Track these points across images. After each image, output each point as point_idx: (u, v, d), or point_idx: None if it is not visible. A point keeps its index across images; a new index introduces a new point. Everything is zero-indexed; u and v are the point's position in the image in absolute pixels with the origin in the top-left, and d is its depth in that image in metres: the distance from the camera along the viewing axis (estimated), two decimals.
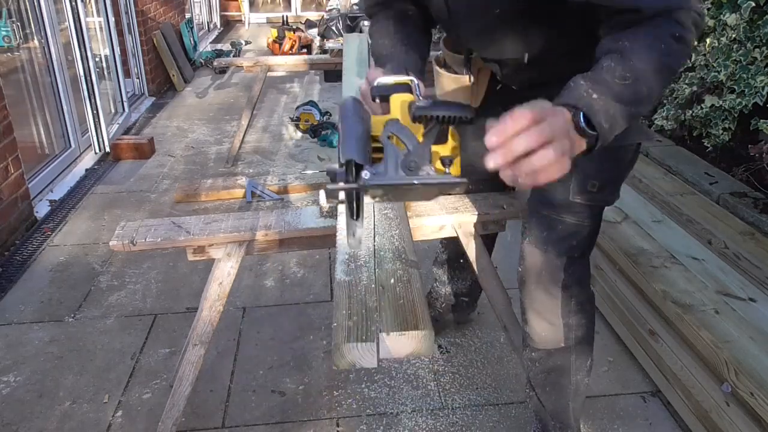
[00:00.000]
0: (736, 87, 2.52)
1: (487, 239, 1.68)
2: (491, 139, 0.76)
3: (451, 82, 1.38)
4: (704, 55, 2.72)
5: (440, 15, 1.20)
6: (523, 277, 1.33)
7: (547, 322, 1.31)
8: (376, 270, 1.18)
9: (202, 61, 6.30)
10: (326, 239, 1.47)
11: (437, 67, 1.44)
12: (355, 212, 0.89)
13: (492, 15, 1.08)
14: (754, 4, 2.41)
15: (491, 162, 0.77)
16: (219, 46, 7.08)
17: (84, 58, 3.52)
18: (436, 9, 1.19)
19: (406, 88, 0.94)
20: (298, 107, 4.32)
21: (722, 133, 2.68)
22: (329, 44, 4.66)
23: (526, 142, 0.76)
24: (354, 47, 2.32)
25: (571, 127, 0.82)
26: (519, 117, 0.76)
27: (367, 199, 0.95)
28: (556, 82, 0.92)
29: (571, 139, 0.81)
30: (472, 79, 1.35)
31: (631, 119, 0.87)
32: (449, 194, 0.88)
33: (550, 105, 0.83)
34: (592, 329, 1.35)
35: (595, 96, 0.84)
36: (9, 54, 3.13)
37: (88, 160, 3.66)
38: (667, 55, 0.87)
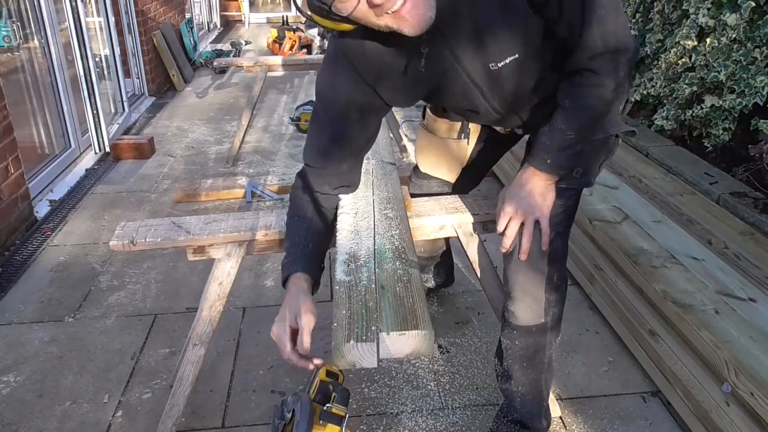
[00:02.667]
0: (736, 87, 2.52)
1: None
2: (499, 228, 1.32)
3: (451, 145, 1.67)
4: (704, 55, 2.72)
5: (474, 106, 1.34)
6: (512, 252, 1.37)
7: (531, 297, 1.37)
8: (376, 270, 1.18)
9: (202, 61, 6.30)
10: None
11: (429, 134, 1.69)
12: None
13: (528, 74, 1.26)
14: (754, 4, 2.41)
15: (503, 249, 1.34)
16: (219, 46, 7.08)
17: (84, 58, 3.52)
18: (478, 106, 1.33)
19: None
20: (298, 107, 4.32)
21: (722, 133, 2.68)
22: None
23: (513, 229, 1.30)
24: None
25: (542, 177, 1.28)
26: (503, 216, 1.30)
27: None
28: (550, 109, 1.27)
29: (545, 182, 1.29)
30: (468, 142, 1.65)
31: (582, 145, 1.26)
32: None
33: (518, 181, 1.30)
34: (563, 308, 1.45)
35: (549, 161, 1.26)
36: (9, 54, 3.14)
37: (88, 160, 3.66)
38: (600, 104, 1.21)
